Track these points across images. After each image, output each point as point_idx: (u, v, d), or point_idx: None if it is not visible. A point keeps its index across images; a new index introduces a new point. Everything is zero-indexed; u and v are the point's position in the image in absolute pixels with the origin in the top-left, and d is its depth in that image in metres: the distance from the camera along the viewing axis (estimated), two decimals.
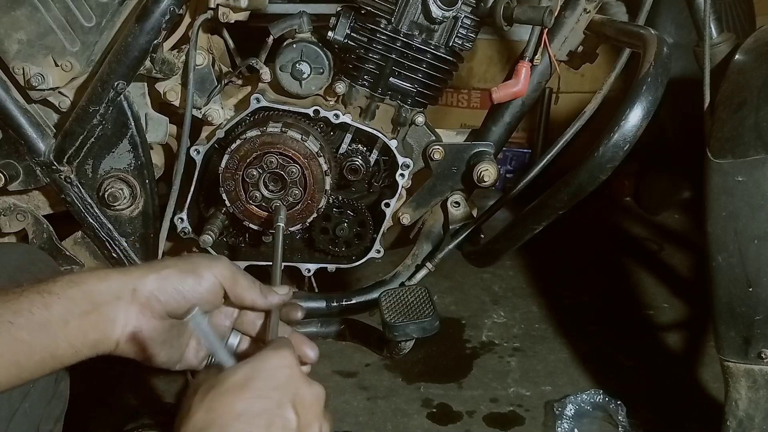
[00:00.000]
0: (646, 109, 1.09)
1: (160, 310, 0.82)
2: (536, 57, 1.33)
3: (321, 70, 1.28)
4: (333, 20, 1.30)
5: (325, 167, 1.27)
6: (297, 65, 1.27)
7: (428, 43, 1.28)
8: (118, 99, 1.27)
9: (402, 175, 1.34)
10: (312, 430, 0.73)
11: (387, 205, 1.36)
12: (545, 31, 1.31)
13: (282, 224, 1.17)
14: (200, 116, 1.34)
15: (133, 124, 1.30)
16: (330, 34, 1.29)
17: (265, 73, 1.30)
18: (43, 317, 0.77)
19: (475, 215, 1.41)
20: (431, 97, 1.34)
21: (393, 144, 1.32)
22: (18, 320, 0.76)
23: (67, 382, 1.03)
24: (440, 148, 1.37)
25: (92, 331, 0.80)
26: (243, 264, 1.37)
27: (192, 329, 0.78)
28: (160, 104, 1.36)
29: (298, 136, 1.26)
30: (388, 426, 1.67)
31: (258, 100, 1.29)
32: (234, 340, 0.91)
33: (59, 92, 1.29)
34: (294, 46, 1.27)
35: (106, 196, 1.32)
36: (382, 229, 1.37)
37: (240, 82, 1.39)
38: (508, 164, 2.61)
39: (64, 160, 1.30)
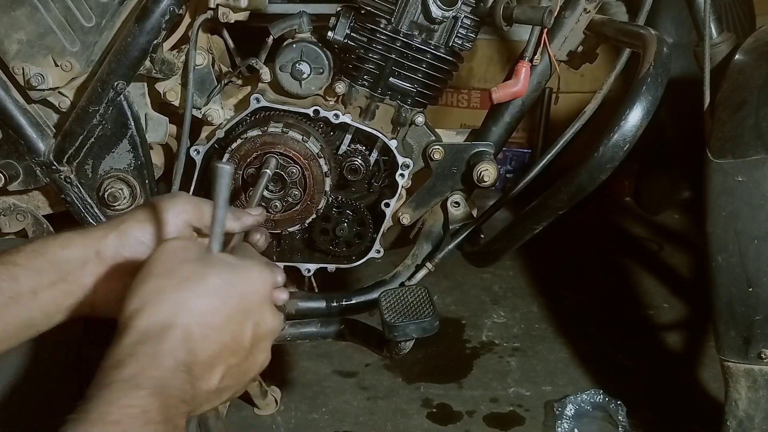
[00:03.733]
0: (646, 109, 1.09)
1: (128, 266, 0.80)
2: (536, 57, 1.33)
3: (321, 70, 1.28)
4: (333, 20, 1.30)
5: (325, 168, 1.27)
6: (297, 65, 1.27)
7: (428, 43, 1.28)
8: (118, 99, 1.27)
9: (402, 175, 1.34)
10: (257, 363, 0.72)
11: (387, 205, 1.36)
12: (545, 31, 1.31)
13: (269, 172, 1.17)
14: (200, 116, 1.34)
15: (132, 124, 1.30)
16: (330, 34, 1.29)
17: (265, 73, 1.30)
18: (12, 290, 0.77)
19: (475, 215, 1.41)
20: (431, 97, 1.34)
21: (393, 144, 1.32)
22: None
23: (71, 377, 1.03)
24: (440, 148, 1.37)
25: (64, 298, 0.79)
26: None
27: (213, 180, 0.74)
28: (160, 104, 1.36)
29: (299, 137, 1.26)
30: (388, 426, 1.67)
31: (258, 100, 1.29)
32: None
33: (59, 92, 1.29)
34: (294, 46, 1.27)
35: (105, 196, 1.32)
36: (382, 229, 1.37)
37: (240, 82, 1.39)
38: (508, 164, 2.61)
39: (64, 160, 1.30)
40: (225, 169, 0.73)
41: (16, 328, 0.78)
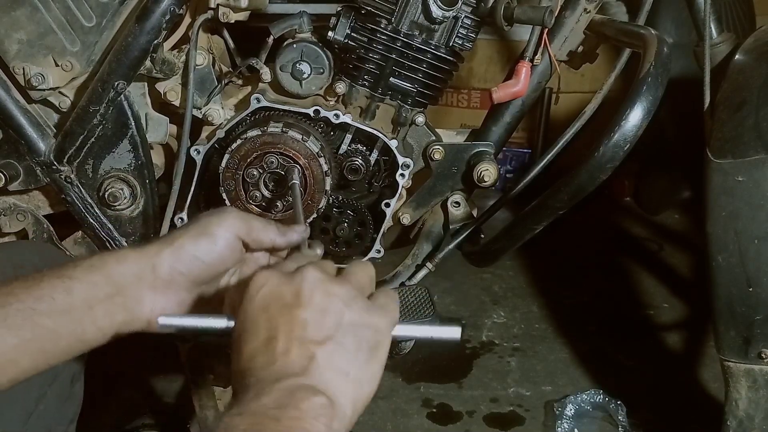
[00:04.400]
0: (646, 109, 1.09)
1: (184, 282, 0.82)
2: (536, 57, 1.33)
3: (321, 70, 1.28)
4: (333, 20, 1.30)
5: (325, 168, 1.27)
6: (297, 65, 1.27)
7: (428, 43, 1.28)
8: (119, 99, 1.27)
9: (402, 175, 1.34)
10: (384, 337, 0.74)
11: (387, 205, 1.36)
12: (545, 31, 1.31)
13: (297, 182, 1.18)
14: (200, 116, 1.34)
15: (133, 124, 1.30)
16: (330, 34, 1.29)
17: (266, 73, 1.30)
18: (66, 302, 0.77)
19: (475, 215, 1.41)
20: (431, 97, 1.34)
21: (393, 144, 1.32)
22: (40, 306, 0.76)
23: (82, 383, 1.03)
24: (440, 148, 1.37)
25: (119, 312, 0.80)
26: None
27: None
28: (161, 104, 1.35)
29: (299, 137, 1.26)
30: (388, 426, 1.67)
31: (258, 100, 1.29)
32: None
33: (59, 92, 1.29)
34: (294, 46, 1.27)
35: (106, 196, 1.32)
36: (382, 229, 1.37)
37: (240, 82, 1.39)
38: (508, 164, 2.61)
39: (65, 160, 1.30)
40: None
41: (68, 342, 0.78)
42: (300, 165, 1.26)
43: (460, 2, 1.25)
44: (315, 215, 1.30)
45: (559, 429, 1.62)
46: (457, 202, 1.40)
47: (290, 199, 1.28)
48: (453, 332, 0.77)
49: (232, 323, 0.74)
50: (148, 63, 1.25)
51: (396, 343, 1.24)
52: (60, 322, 0.77)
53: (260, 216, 1.29)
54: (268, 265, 0.89)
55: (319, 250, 0.92)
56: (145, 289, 0.81)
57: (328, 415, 0.65)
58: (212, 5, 1.27)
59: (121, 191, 1.32)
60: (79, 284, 0.78)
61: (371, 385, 0.72)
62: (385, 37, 1.27)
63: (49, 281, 0.78)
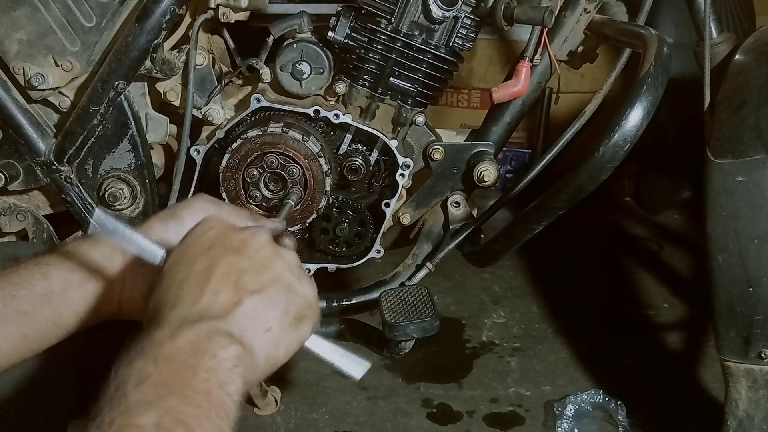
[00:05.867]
0: (646, 109, 1.09)
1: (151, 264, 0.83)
2: (536, 57, 1.33)
3: (321, 70, 1.28)
4: (333, 20, 1.30)
5: (325, 168, 1.27)
6: (297, 65, 1.27)
7: (428, 43, 1.28)
8: (119, 99, 1.27)
9: (402, 175, 1.34)
10: (272, 269, 0.72)
11: (387, 205, 1.36)
12: (545, 31, 1.31)
13: (292, 203, 1.19)
14: (200, 116, 1.34)
15: (133, 124, 1.30)
16: (330, 34, 1.29)
17: (266, 73, 1.30)
18: (44, 288, 0.78)
19: (475, 215, 1.41)
20: (431, 97, 1.34)
21: (393, 144, 1.32)
22: (20, 293, 0.77)
23: (73, 379, 1.03)
24: (440, 148, 1.37)
25: (93, 296, 0.81)
26: None
27: (95, 229, 0.76)
28: (161, 104, 1.36)
29: (299, 137, 1.26)
30: (388, 426, 1.67)
31: (258, 100, 1.29)
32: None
33: (59, 92, 1.29)
34: (294, 46, 1.27)
35: (106, 196, 1.32)
36: (382, 229, 1.37)
37: (240, 82, 1.39)
38: (508, 164, 2.61)
39: (65, 160, 1.30)
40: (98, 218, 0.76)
41: (47, 327, 0.79)
42: (300, 165, 1.26)
43: (460, 2, 1.25)
44: (315, 215, 1.30)
45: (559, 429, 1.62)
46: (457, 202, 1.40)
47: (289, 201, 1.28)
48: (356, 370, 0.78)
49: (164, 253, 0.75)
50: (148, 63, 1.25)
51: (396, 343, 1.25)
52: (38, 308, 0.78)
53: (260, 214, 1.29)
54: None
55: (288, 241, 0.91)
56: (116, 272, 0.82)
57: (243, 366, 0.64)
58: (212, 5, 1.28)
59: (121, 191, 1.32)
60: (55, 270, 0.80)
61: (286, 350, 0.71)
62: (385, 37, 1.27)
63: (27, 267, 0.79)
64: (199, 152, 1.31)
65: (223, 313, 0.67)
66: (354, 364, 0.77)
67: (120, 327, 0.82)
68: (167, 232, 0.83)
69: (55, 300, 0.79)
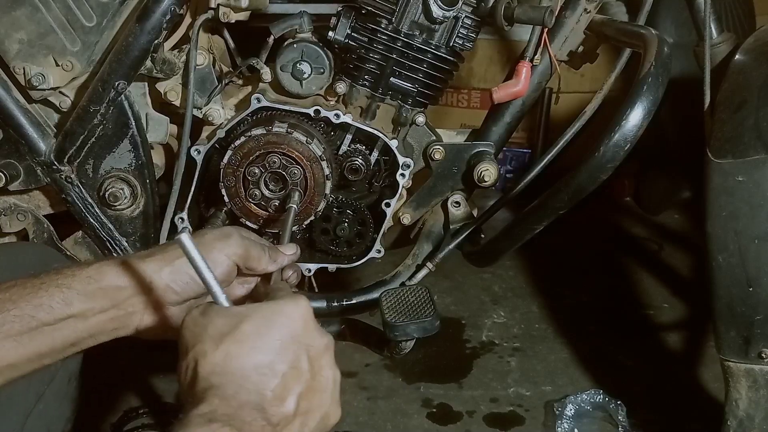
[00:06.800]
0: (646, 109, 1.09)
1: (176, 299, 0.85)
2: (536, 57, 1.33)
3: (321, 70, 1.28)
4: (333, 20, 1.30)
5: (326, 171, 1.27)
6: (298, 65, 1.27)
7: (429, 43, 1.28)
8: (119, 99, 1.27)
9: (402, 175, 1.34)
10: (326, 380, 0.73)
11: (387, 204, 1.36)
12: (546, 31, 1.31)
13: (295, 206, 1.18)
14: (201, 116, 1.34)
15: (133, 123, 1.30)
16: (330, 34, 1.29)
17: (266, 73, 1.30)
18: (64, 312, 0.80)
19: (475, 215, 1.41)
20: (432, 97, 1.34)
21: (393, 144, 1.32)
22: (39, 314, 0.79)
23: (80, 383, 1.04)
24: (440, 148, 1.37)
25: (111, 323, 0.83)
26: None
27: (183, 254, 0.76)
28: (161, 104, 1.36)
29: (303, 138, 1.26)
30: (388, 426, 1.67)
31: (259, 100, 1.29)
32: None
33: (60, 92, 1.29)
34: (295, 46, 1.27)
35: (106, 195, 1.32)
36: (382, 229, 1.37)
37: (241, 82, 1.39)
38: (508, 164, 2.61)
39: (65, 160, 1.30)
40: (184, 243, 0.75)
41: (63, 346, 0.82)
42: (302, 166, 1.26)
43: (460, 2, 1.25)
44: (313, 217, 1.31)
45: (559, 429, 1.62)
46: (457, 202, 1.40)
47: (292, 205, 1.28)
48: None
49: (227, 304, 0.75)
50: (148, 63, 1.25)
51: (397, 343, 1.25)
52: (57, 330, 0.80)
53: (258, 212, 1.29)
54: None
55: (290, 273, 0.96)
56: (138, 303, 0.84)
57: None
58: (212, 5, 1.28)
59: (121, 191, 1.32)
60: (77, 296, 0.81)
61: None
62: (385, 37, 1.27)
63: (48, 290, 0.80)
64: (199, 152, 1.31)
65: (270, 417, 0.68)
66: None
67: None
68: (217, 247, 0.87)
69: (73, 324, 0.81)
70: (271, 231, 1.32)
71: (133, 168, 1.33)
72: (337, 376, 0.74)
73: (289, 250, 0.94)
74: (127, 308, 0.83)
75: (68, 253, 1.36)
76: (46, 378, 0.96)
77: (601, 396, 1.65)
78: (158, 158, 1.40)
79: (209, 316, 0.72)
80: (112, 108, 1.27)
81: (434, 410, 1.72)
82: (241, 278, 0.93)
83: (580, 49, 1.38)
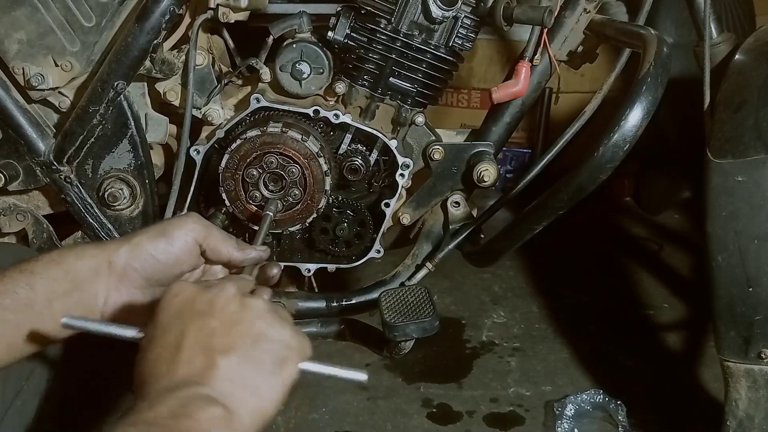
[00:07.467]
0: (646, 109, 1.09)
1: (138, 278, 0.84)
2: (536, 57, 1.33)
3: (321, 70, 1.28)
4: (333, 20, 1.30)
5: (325, 167, 1.27)
6: (297, 65, 1.27)
7: (428, 43, 1.28)
8: (118, 99, 1.27)
9: (402, 175, 1.34)
10: (233, 313, 0.72)
11: (387, 205, 1.36)
12: (545, 31, 1.31)
13: (271, 214, 1.17)
14: (200, 116, 1.34)
15: (133, 124, 1.30)
16: (330, 34, 1.29)
17: (265, 73, 1.30)
18: (28, 297, 0.79)
19: (475, 215, 1.41)
20: (431, 97, 1.34)
21: (393, 144, 1.32)
22: (4, 301, 0.78)
23: (60, 379, 1.04)
24: (440, 148, 1.37)
25: (75, 308, 0.81)
26: None
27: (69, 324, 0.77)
28: (160, 104, 1.36)
29: (299, 137, 1.26)
30: (388, 426, 1.67)
31: (258, 100, 1.29)
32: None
33: (59, 92, 1.29)
34: (294, 46, 1.27)
35: (106, 196, 1.32)
36: (382, 229, 1.37)
37: (240, 82, 1.39)
38: (508, 164, 2.61)
39: (64, 160, 1.30)
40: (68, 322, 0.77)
41: (30, 335, 0.80)
42: (299, 165, 1.26)
43: (459, 2, 1.25)
44: (315, 215, 1.30)
45: (559, 429, 1.62)
46: (457, 202, 1.40)
47: (290, 199, 1.28)
48: (359, 376, 0.78)
49: (141, 335, 0.75)
50: (147, 63, 1.25)
51: (396, 343, 1.25)
52: (22, 316, 0.79)
53: (260, 214, 1.29)
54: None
55: (276, 270, 0.94)
56: (101, 284, 0.83)
57: (224, 426, 0.65)
58: (212, 5, 1.28)
59: (120, 191, 1.32)
60: (40, 279, 0.80)
61: (273, 399, 0.71)
62: (384, 37, 1.27)
63: (11, 276, 0.80)
64: (198, 152, 1.31)
65: (200, 378, 0.67)
66: (354, 373, 0.77)
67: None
68: (155, 250, 0.84)
69: (38, 309, 0.80)
70: (273, 231, 1.32)
71: (132, 168, 1.33)
72: (254, 306, 0.73)
73: (260, 247, 0.93)
74: (90, 290, 0.82)
75: None
76: (23, 374, 0.95)
77: (601, 396, 1.65)
78: (157, 158, 1.40)
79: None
80: (111, 108, 1.27)
81: (434, 410, 1.72)
82: (208, 269, 0.91)
83: (580, 49, 1.37)
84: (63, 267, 0.82)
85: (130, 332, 0.76)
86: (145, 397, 0.66)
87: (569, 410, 1.64)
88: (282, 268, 0.95)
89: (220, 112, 1.34)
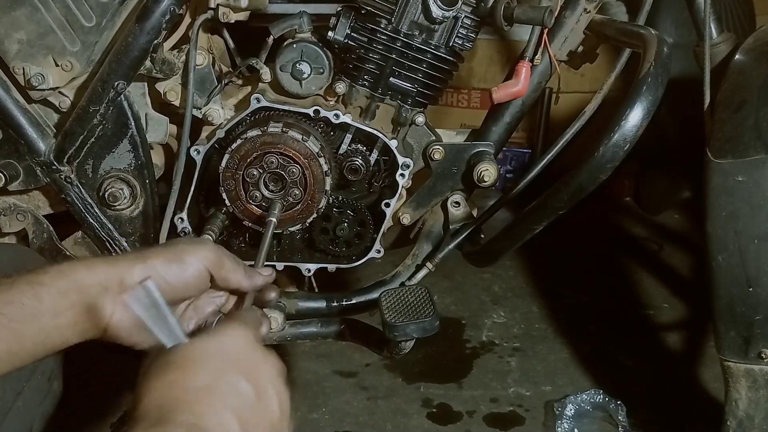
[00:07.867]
0: (646, 109, 1.09)
1: None
2: (536, 57, 1.33)
3: (321, 70, 1.28)
4: (333, 20, 1.30)
5: (325, 167, 1.27)
6: (297, 65, 1.27)
7: (428, 43, 1.28)
8: (119, 99, 1.27)
9: (402, 175, 1.34)
10: (269, 400, 0.72)
11: (387, 205, 1.36)
12: (545, 31, 1.31)
13: (274, 219, 1.17)
14: (200, 116, 1.34)
15: (133, 124, 1.30)
16: (330, 34, 1.29)
17: (266, 73, 1.30)
18: (35, 308, 0.79)
19: (475, 215, 1.41)
20: (431, 97, 1.34)
21: (393, 144, 1.32)
22: (10, 310, 0.78)
23: (60, 381, 1.04)
24: (440, 148, 1.37)
25: (81, 321, 0.82)
26: None
27: (133, 302, 0.75)
28: (161, 104, 1.36)
29: (299, 137, 1.26)
30: (388, 426, 1.67)
31: (258, 100, 1.29)
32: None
33: (59, 92, 1.29)
34: (294, 46, 1.27)
35: (106, 196, 1.32)
36: (382, 229, 1.37)
37: (240, 82, 1.39)
38: (508, 164, 2.61)
39: (65, 160, 1.30)
40: (146, 291, 0.75)
41: (33, 345, 0.80)
42: (300, 165, 1.26)
43: (460, 2, 1.25)
44: (315, 215, 1.30)
45: (559, 429, 1.62)
46: (457, 202, 1.40)
47: (289, 199, 1.27)
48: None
49: (186, 340, 0.74)
50: (148, 63, 1.25)
51: (396, 343, 1.25)
52: (27, 327, 0.79)
53: (261, 214, 1.29)
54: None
55: (273, 294, 0.96)
56: (109, 300, 0.82)
57: None
58: (212, 5, 1.28)
59: (121, 191, 1.32)
60: (47, 291, 0.80)
61: None
62: (385, 37, 1.27)
63: (19, 287, 0.80)
64: (199, 152, 1.31)
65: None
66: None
67: None
68: (168, 273, 0.84)
69: (43, 321, 0.80)
70: (274, 231, 1.32)
71: (132, 168, 1.33)
72: (284, 396, 0.73)
73: (265, 271, 0.94)
74: (97, 305, 0.82)
75: (68, 253, 1.36)
76: (23, 376, 0.96)
77: (601, 396, 1.65)
78: (158, 158, 1.40)
79: (157, 355, 0.73)
80: (111, 108, 1.27)
81: (434, 410, 1.72)
82: (213, 292, 0.92)
83: (580, 49, 1.37)
84: (72, 279, 0.81)
85: (182, 338, 0.74)
86: (139, 420, 0.66)
87: (569, 410, 1.64)
88: (279, 292, 0.97)
89: (220, 112, 1.34)
